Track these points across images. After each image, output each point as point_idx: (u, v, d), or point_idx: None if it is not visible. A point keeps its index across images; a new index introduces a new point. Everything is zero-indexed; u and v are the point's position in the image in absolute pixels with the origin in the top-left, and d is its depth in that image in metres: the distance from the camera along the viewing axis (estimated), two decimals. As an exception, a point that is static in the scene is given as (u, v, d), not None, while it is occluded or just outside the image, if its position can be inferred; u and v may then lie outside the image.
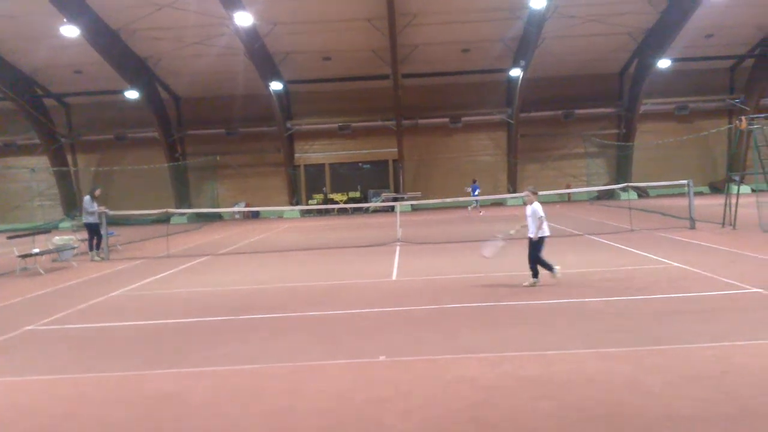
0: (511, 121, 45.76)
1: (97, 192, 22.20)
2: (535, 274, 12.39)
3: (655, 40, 40.20)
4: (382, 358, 8.00)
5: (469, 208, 40.32)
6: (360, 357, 8.11)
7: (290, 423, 6.06)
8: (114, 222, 27.33)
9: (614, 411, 5.88)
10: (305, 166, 48.74)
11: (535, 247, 12.33)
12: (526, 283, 12.35)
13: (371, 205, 42.27)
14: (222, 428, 6.01)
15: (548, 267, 12.28)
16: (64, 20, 33.28)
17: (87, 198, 21.84)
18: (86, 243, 22.03)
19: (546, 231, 12.44)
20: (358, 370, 7.57)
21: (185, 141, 47.99)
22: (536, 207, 12.47)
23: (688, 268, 13.52)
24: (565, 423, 5.68)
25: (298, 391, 6.93)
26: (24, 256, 18.39)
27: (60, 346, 9.60)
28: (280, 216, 45.41)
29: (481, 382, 6.86)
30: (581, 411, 5.93)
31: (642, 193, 45.25)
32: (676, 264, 14.13)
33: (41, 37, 36.79)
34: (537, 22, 37.04)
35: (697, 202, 23.85)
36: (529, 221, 12.50)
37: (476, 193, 38.11)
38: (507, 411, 6.04)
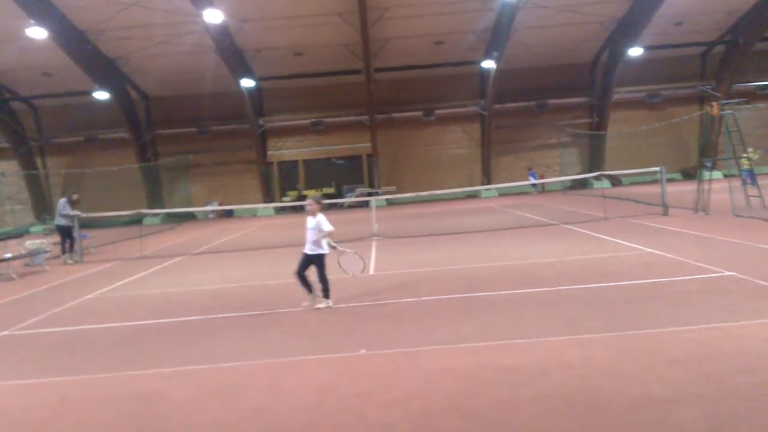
0: (485, 113, 45.82)
1: (75, 197, 21.89)
2: (310, 290, 11.06)
3: (626, 28, 40.43)
4: (362, 351, 8.02)
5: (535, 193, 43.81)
6: (340, 351, 8.11)
7: (273, 418, 6.05)
8: (86, 224, 27.06)
9: (594, 396, 5.94)
10: (278, 163, 48.52)
11: (318, 264, 10.89)
12: (321, 305, 10.89)
13: (346, 200, 42.21)
14: (205, 426, 6.00)
15: (327, 291, 11.01)
16: (31, 22, 32.90)
17: (63, 201, 21.56)
18: (59, 246, 21.81)
19: (324, 248, 10.93)
20: (339, 365, 7.58)
21: (156, 141, 47.62)
22: (321, 219, 10.88)
23: (662, 253, 13.64)
24: (546, 409, 5.72)
25: (279, 386, 6.94)
26: (-3, 261, 18.22)
27: (38, 350, 9.53)
28: (254, 214, 45.21)
29: (461, 373, 6.89)
30: (561, 397, 5.98)
31: (615, 181, 45.50)
32: (650, 250, 14.24)
33: (7, 39, 36.22)
34: (509, 12, 37.09)
35: (670, 188, 24.06)
36: (310, 235, 10.90)
37: (535, 178, 40.50)
38: (488, 400, 6.08)
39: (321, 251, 10.87)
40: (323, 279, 10.95)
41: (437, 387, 6.53)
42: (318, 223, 10.81)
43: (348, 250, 11.38)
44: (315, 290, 10.97)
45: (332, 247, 11.04)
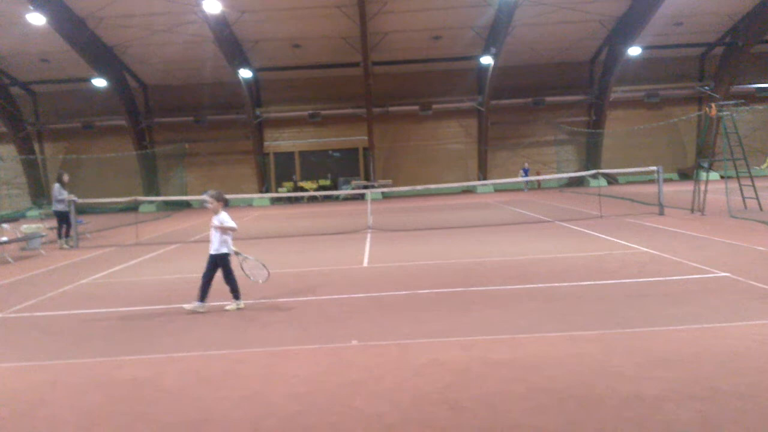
0: (482, 109, 45.80)
1: (65, 177, 21.86)
2: (203, 297, 10.27)
3: (625, 27, 40.40)
4: (353, 342, 8.02)
5: (525, 190, 44.29)
6: (332, 342, 8.11)
7: (263, 407, 6.05)
8: (82, 210, 27.16)
9: (585, 392, 5.94)
10: (275, 154, 48.48)
11: (223, 265, 10.39)
12: (187, 307, 10.29)
13: (342, 192, 42.22)
14: (196, 413, 5.99)
15: (236, 292, 10.49)
16: (30, 7, 32.84)
17: (56, 186, 21.54)
18: (55, 231, 21.82)
19: (230, 247, 10.47)
20: (330, 355, 7.58)
21: (153, 129, 47.54)
22: (223, 217, 10.39)
23: (657, 253, 13.65)
24: (537, 405, 5.73)
25: (270, 375, 6.94)
26: (-8, 245, 18.25)
27: (31, 333, 9.54)
28: (249, 204, 45.20)
29: (452, 366, 6.90)
30: (552, 393, 5.98)
31: (612, 180, 45.56)
32: (645, 249, 14.26)
33: (7, 24, 36.18)
34: (508, 9, 37.06)
35: (667, 188, 24.10)
36: (214, 235, 10.43)
37: (527, 175, 41.50)
38: (479, 394, 6.08)
39: (224, 251, 10.39)
40: (230, 280, 10.43)
41: (428, 379, 6.53)
42: (222, 222, 10.37)
43: (250, 257, 10.91)
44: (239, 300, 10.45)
45: (235, 253, 10.58)
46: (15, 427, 5.97)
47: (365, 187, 40.18)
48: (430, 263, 14.12)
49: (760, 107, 42.20)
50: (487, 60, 42.62)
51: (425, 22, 39.67)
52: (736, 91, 44.19)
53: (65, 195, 21.14)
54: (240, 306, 10.38)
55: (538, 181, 45.60)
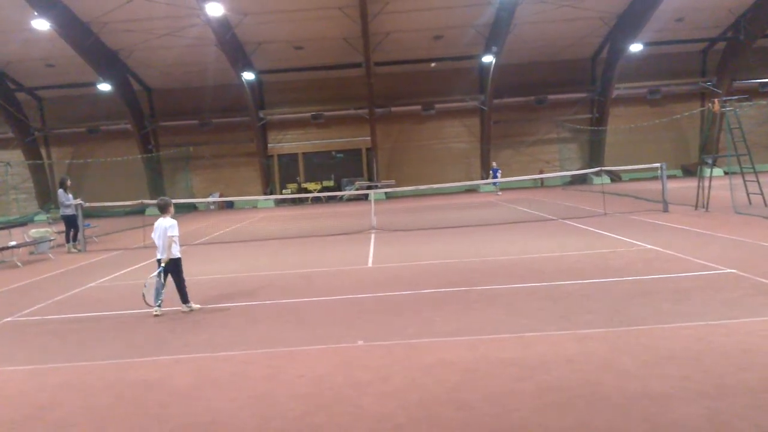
0: (484, 108, 45.82)
1: (68, 182, 22.10)
2: (185, 300, 10.72)
3: (626, 24, 40.40)
4: (360, 342, 8.05)
5: (499, 192, 43.01)
6: (338, 342, 8.14)
7: (270, 407, 6.08)
8: (89, 214, 27.22)
9: (592, 391, 5.95)
10: (279, 155, 48.63)
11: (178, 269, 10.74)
12: (187, 309, 10.64)
13: (345, 193, 42.26)
14: (204, 414, 6.02)
15: (158, 298, 10.56)
16: (35, 13, 32.99)
17: (60, 191, 21.72)
18: (62, 235, 21.96)
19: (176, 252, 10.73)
20: (337, 355, 7.60)
21: (158, 132, 47.73)
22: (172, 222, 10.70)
23: (662, 250, 13.64)
24: (544, 403, 5.74)
25: (277, 376, 6.97)
26: (1, 249, 18.27)
27: (41, 336, 9.59)
28: (254, 206, 45.35)
29: (459, 365, 6.91)
30: (560, 391, 5.99)
31: (615, 177, 45.50)
32: (650, 246, 14.24)
33: (12, 30, 36.42)
34: (509, 7, 37.09)
35: (670, 185, 24.03)
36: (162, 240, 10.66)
37: (497, 176, 40.16)
38: (486, 393, 6.09)
39: (175, 256, 10.67)
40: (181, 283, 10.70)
41: (435, 379, 6.54)
42: (169, 227, 10.62)
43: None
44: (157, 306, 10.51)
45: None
46: (27, 429, 6.01)
47: (369, 188, 40.23)
48: (435, 263, 14.13)
49: (764, 102, 42.14)
50: (488, 59, 42.65)
51: (426, 21, 39.70)
52: (739, 86, 44.19)
53: (72, 199, 21.31)
54: (192, 307, 10.66)
55: (541, 179, 45.62)
